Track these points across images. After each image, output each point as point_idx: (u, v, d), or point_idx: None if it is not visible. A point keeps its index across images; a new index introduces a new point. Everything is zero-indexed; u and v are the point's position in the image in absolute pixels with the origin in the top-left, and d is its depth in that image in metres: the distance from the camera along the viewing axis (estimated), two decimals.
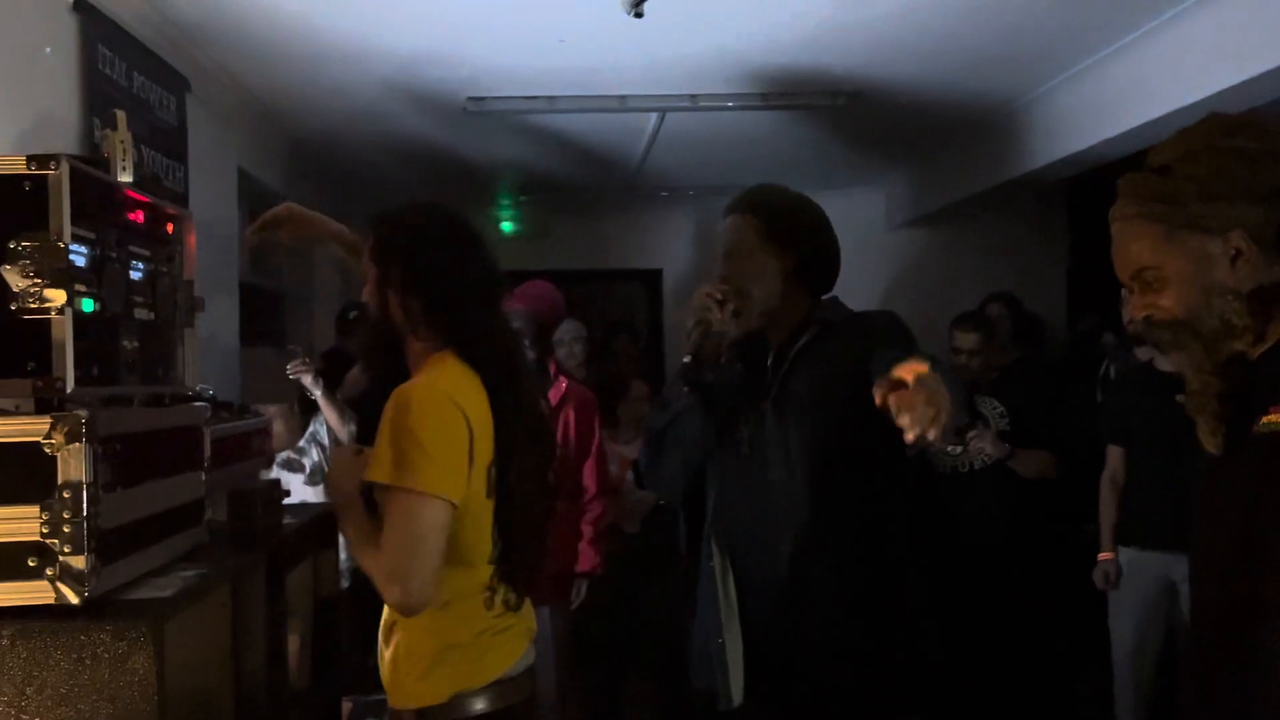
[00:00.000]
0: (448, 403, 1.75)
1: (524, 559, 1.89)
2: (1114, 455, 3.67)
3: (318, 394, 3.74)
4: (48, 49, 2.67)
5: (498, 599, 1.87)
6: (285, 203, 2.32)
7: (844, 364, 2.06)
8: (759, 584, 2.13)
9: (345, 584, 3.09)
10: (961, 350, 3.98)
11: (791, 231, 2.20)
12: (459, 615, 1.83)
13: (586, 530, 3.74)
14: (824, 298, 2.28)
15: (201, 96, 3.61)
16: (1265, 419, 1.33)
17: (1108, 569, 3.63)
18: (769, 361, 2.22)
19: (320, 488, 3.98)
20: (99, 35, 2.89)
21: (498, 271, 1.96)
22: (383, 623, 1.90)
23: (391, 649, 1.85)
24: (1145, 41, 3.51)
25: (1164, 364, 3.41)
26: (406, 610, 1.73)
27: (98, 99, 2.86)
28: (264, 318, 4.92)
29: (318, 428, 4.00)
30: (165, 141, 3.30)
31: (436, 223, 1.92)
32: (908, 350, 1.86)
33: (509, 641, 1.90)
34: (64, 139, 2.71)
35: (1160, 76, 3.46)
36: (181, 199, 3.38)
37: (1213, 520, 1.44)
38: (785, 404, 2.13)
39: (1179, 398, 1.48)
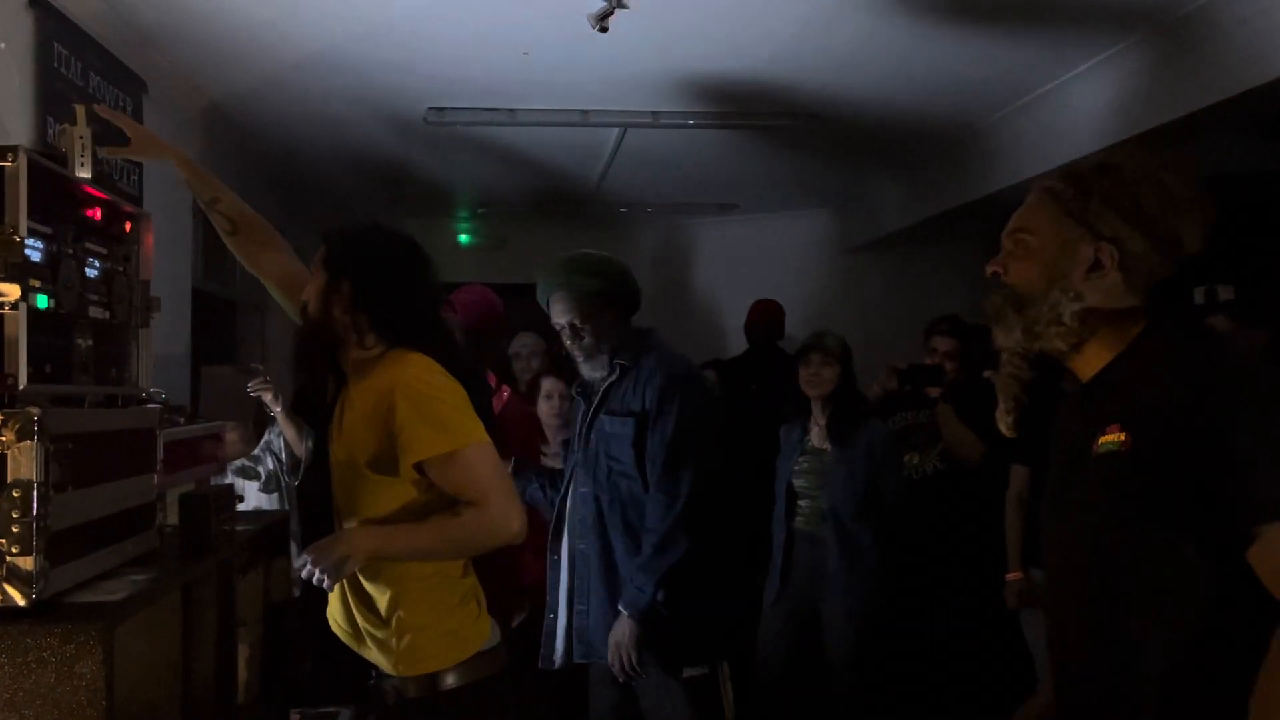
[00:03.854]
0: (443, 373, 1.91)
1: None
2: (1019, 474, 3.63)
3: (277, 411, 3.71)
4: (1, 44, 2.63)
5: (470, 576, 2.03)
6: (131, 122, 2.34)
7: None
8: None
9: (296, 593, 3.04)
10: (938, 352, 4.03)
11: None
12: (450, 584, 1.95)
13: (530, 543, 3.68)
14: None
15: (158, 99, 3.56)
16: (1103, 439, 1.39)
17: (1020, 588, 3.62)
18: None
19: (274, 495, 3.94)
20: (55, 33, 2.84)
21: (440, 290, 2.15)
22: (374, 603, 1.95)
23: (395, 620, 1.92)
24: (1097, 71, 3.61)
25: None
26: (520, 537, 1.87)
27: (52, 98, 2.82)
28: (216, 325, 4.85)
29: (272, 437, 3.98)
30: (122, 143, 3.25)
31: (387, 244, 2.03)
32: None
33: (485, 616, 2.03)
34: (18, 137, 2.66)
35: (1111, 105, 3.55)
36: (135, 201, 3.33)
37: (1063, 532, 1.49)
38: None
39: (986, 373, 1.58)
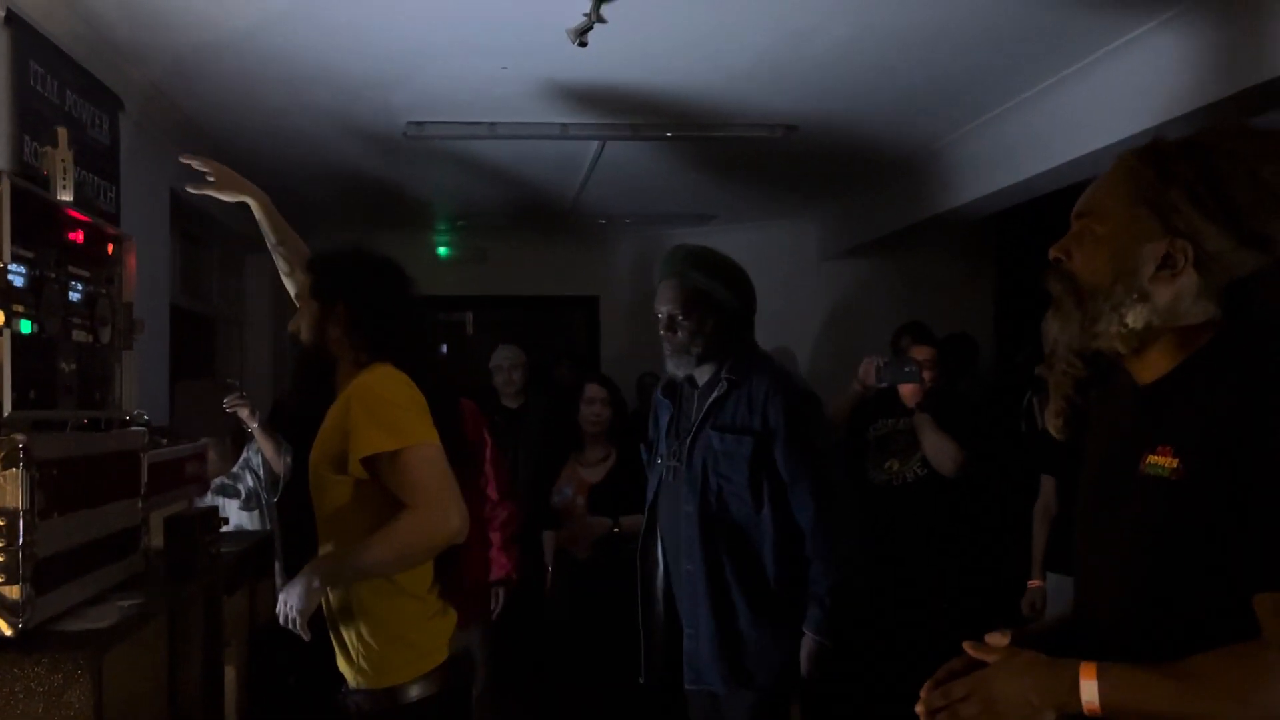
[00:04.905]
0: (402, 378, 1.99)
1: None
2: (1047, 485, 3.73)
3: (254, 427, 3.69)
4: None
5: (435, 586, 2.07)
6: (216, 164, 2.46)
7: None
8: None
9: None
10: (917, 360, 4.06)
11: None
12: (415, 599, 1.98)
13: (494, 538, 3.68)
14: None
15: (135, 116, 3.54)
16: (1151, 458, 1.26)
17: (1035, 597, 3.70)
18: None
19: (254, 513, 3.92)
20: (30, 51, 2.82)
21: (423, 302, 2.22)
22: (337, 613, 1.99)
23: (356, 634, 1.96)
24: (1066, 84, 3.64)
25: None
26: (459, 535, 1.90)
27: (29, 116, 2.79)
28: (194, 342, 4.82)
29: (251, 454, 3.95)
30: (97, 161, 3.23)
31: (372, 265, 2.14)
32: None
33: (449, 621, 2.08)
34: None
35: (1081, 117, 3.59)
36: (113, 219, 3.30)
37: (1098, 553, 1.38)
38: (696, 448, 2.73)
39: (1038, 369, 1.40)
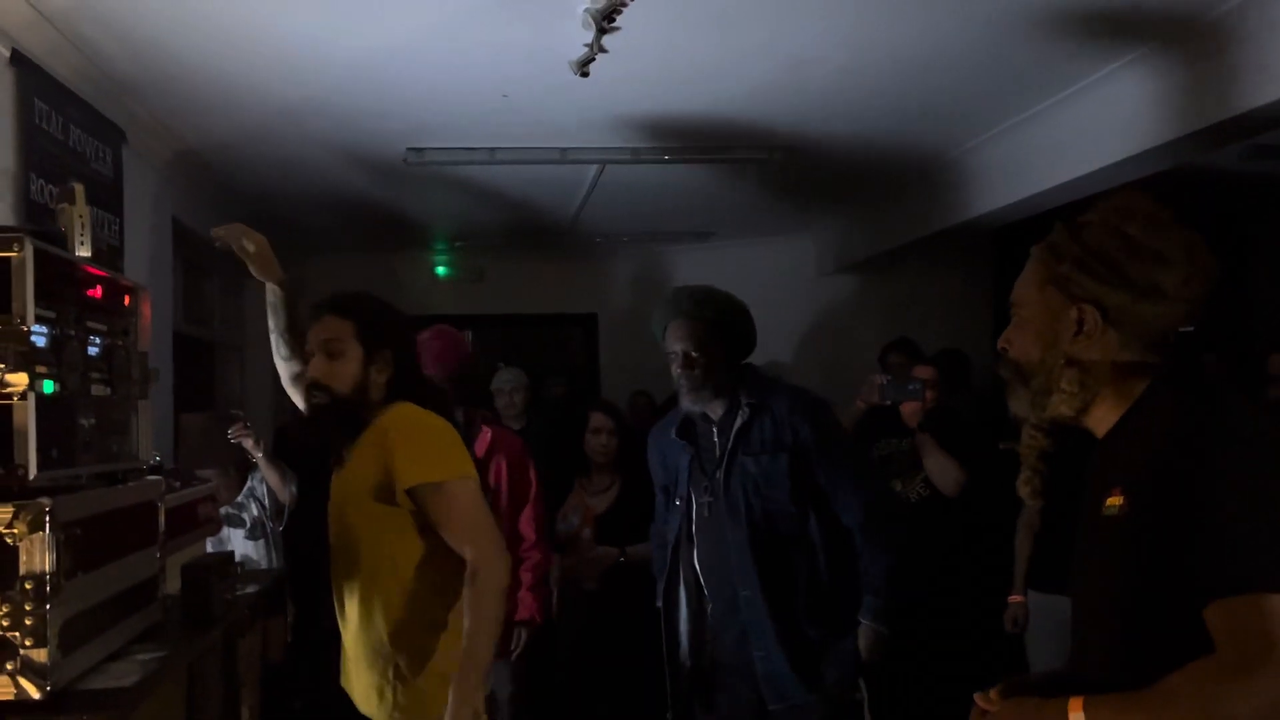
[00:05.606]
0: (436, 416, 2.09)
1: None
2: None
3: (259, 457, 3.69)
4: None
5: None
6: (257, 236, 2.44)
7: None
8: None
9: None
10: (920, 378, 4.07)
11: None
12: (458, 630, 1.98)
13: (525, 578, 3.67)
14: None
15: (137, 148, 3.55)
16: (1108, 501, 1.37)
17: (1016, 612, 3.70)
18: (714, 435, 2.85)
19: (260, 542, 3.92)
20: (36, 89, 2.83)
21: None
22: (369, 653, 2.01)
23: (394, 671, 1.99)
24: (1061, 107, 3.68)
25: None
26: (507, 571, 2.00)
27: (35, 154, 2.81)
28: (195, 368, 4.81)
29: (255, 484, 3.96)
30: (101, 194, 3.24)
31: (396, 311, 2.25)
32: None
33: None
34: (2, 196, 2.65)
35: (1075, 139, 3.63)
36: (116, 251, 3.31)
37: (1084, 592, 1.48)
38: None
39: (1001, 445, 1.57)
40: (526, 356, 6.24)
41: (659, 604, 2.97)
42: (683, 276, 6.89)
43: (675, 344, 2.83)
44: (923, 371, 4.15)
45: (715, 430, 2.86)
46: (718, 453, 2.83)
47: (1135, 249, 1.39)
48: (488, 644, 1.92)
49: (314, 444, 2.14)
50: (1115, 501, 1.36)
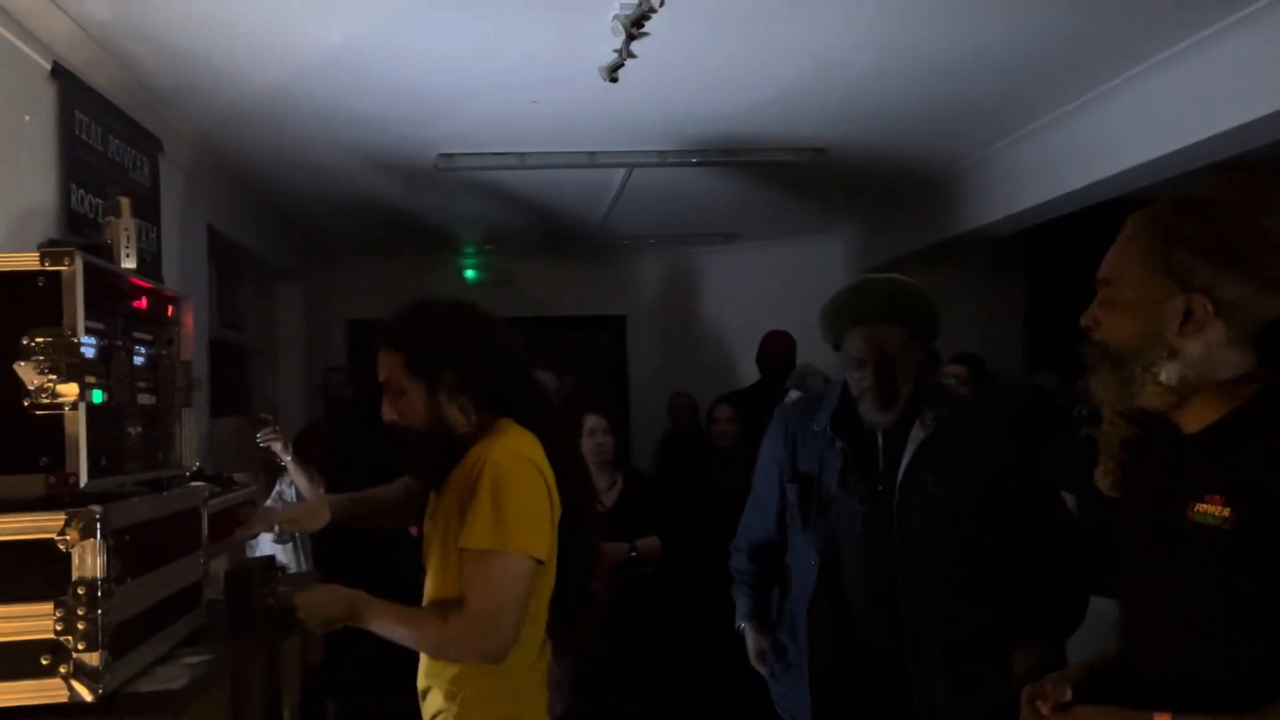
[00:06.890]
0: (531, 467, 1.83)
1: (577, 604, 1.98)
2: (1067, 501, 3.69)
3: (288, 460, 3.73)
4: (26, 117, 2.67)
5: (546, 648, 1.95)
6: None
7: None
8: None
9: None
10: (957, 375, 4.06)
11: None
12: (518, 668, 1.88)
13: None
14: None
15: (172, 157, 3.60)
16: (1199, 507, 1.27)
17: None
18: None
19: (288, 545, 3.96)
20: (77, 101, 2.88)
21: (515, 338, 1.99)
22: (440, 682, 1.89)
23: (452, 702, 1.87)
24: (1094, 105, 3.66)
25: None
26: (492, 660, 1.78)
27: (75, 165, 2.86)
28: (229, 372, 4.88)
29: (283, 487, 4.00)
30: (139, 204, 3.27)
31: (456, 317, 1.94)
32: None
33: (544, 689, 1.97)
34: (44, 206, 2.70)
35: (1101, 141, 3.62)
36: (154, 259, 3.37)
37: (1147, 598, 1.39)
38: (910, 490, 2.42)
39: (1084, 430, 1.45)
40: (555, 359, 6.26)
41: (742, 624, 2.70)
42: (710, 278, 6.90)
43: (865, 352, 2.46)
44: (954, 369, 4.14)
45: (882, 436, 2.48)
46: (882, 463, 2.46)
47: (1268, 242, 1.27)
48: (401, 635, 1.79)
49: (422, 482, 1.96)
50: (1214, 510, 1.25)
